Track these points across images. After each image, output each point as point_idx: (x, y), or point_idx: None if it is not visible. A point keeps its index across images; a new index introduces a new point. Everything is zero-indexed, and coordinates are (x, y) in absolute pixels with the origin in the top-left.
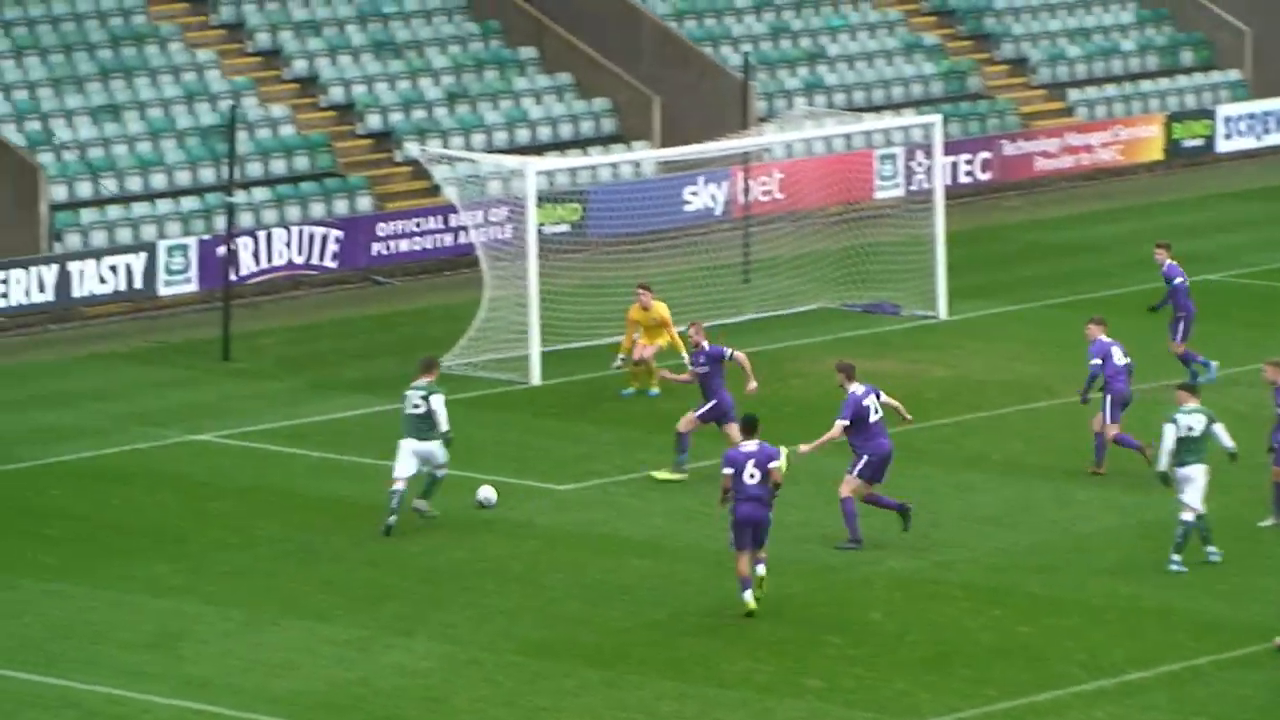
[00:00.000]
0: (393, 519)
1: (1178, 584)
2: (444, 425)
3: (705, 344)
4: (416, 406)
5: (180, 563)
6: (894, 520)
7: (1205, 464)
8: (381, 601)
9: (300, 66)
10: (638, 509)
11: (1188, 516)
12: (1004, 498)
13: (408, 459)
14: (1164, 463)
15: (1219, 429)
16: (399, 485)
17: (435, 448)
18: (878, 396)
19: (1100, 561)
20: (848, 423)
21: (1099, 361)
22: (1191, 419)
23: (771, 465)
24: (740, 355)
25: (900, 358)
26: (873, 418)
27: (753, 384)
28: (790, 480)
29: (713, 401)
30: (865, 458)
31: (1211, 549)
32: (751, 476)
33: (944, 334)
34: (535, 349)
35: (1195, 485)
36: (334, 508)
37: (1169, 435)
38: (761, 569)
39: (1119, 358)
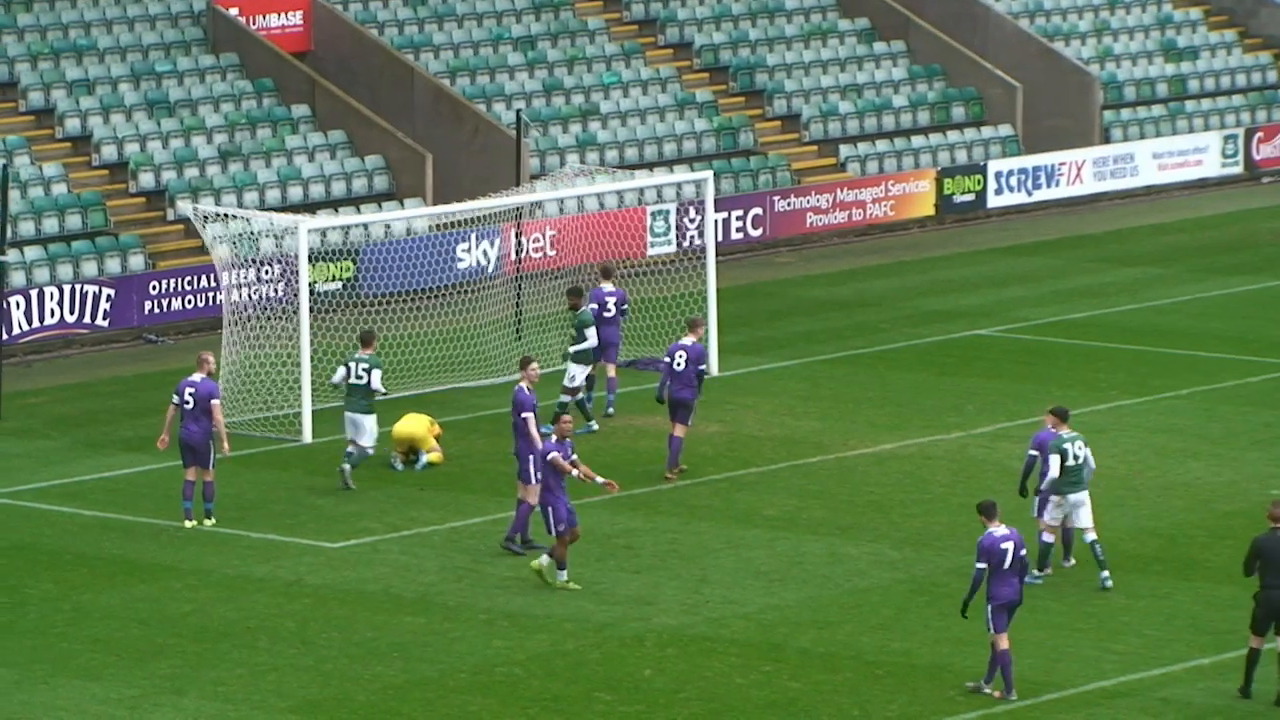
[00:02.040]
0: (348, 476)
1: (950, 639)
2: (380, 389)
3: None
4: (360, 377)
5: None
6: (667, 578)
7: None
8: (152, 660)
9: (73, 125)
10: (409, 566)
11: (1049, 538)
12: (776, 553)
13: (347, 426)
14: (1044, 486)
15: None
16: (350, 449)
17: (366, 420)
18: None
19: (873, 617)
20: None
21: (667, 360)
22: (1076, 446)
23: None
24: None
25: None
26: None
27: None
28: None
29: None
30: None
31: (1106, 573)
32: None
33: (716, 390)
34: (307, 407)
35: (1086, 508)
36: (105, 566)
37: (1055, 464)
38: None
39: (680, 363)
